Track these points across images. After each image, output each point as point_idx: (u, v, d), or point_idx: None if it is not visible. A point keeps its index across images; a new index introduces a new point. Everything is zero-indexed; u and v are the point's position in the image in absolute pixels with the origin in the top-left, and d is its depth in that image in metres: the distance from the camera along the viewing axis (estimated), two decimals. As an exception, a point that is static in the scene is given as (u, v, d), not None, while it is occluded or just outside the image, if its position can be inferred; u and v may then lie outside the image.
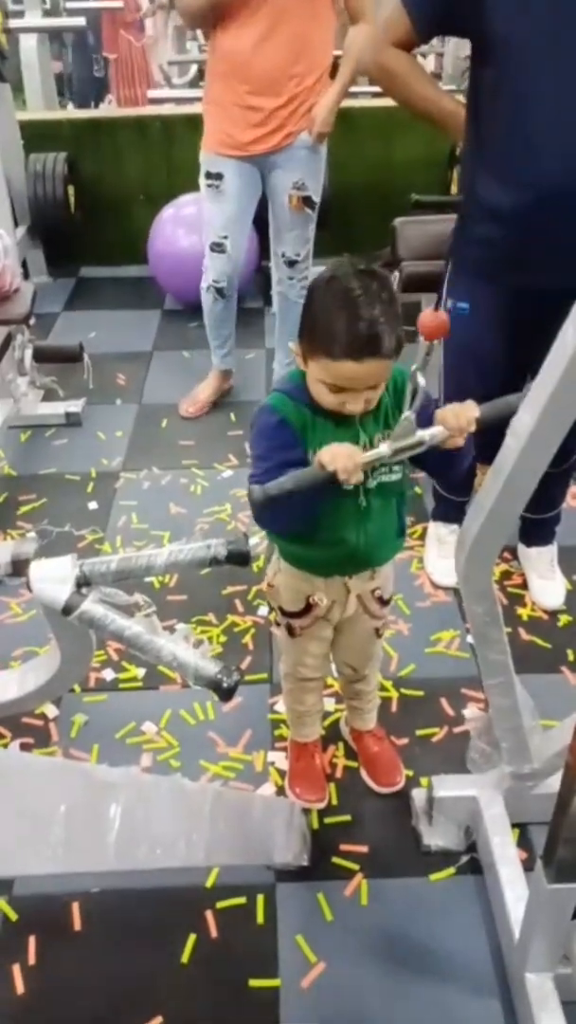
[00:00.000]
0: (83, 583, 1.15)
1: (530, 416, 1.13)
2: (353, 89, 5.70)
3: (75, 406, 2.97)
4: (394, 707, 1.89)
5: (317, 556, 1.40)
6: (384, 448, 1.15)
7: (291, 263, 2.79)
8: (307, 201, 2.68)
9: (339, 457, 1.12)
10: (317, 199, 2.71)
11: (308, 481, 1.13)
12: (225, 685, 1.11)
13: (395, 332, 1.15)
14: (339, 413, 1.24)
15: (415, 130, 4.00)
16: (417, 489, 2.61)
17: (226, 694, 1.12)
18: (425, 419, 1.20)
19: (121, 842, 1.12)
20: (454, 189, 3.90)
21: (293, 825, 1.46)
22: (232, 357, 3.05)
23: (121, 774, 1.24)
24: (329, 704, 1.85)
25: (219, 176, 2.58)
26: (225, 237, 2.68)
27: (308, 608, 1.47)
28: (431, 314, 1.11)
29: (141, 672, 1.96)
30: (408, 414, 1.14)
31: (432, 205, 2.66)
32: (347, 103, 4.57)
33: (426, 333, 1.11)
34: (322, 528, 1.35)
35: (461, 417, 1.19)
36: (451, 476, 1.39)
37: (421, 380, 1.12)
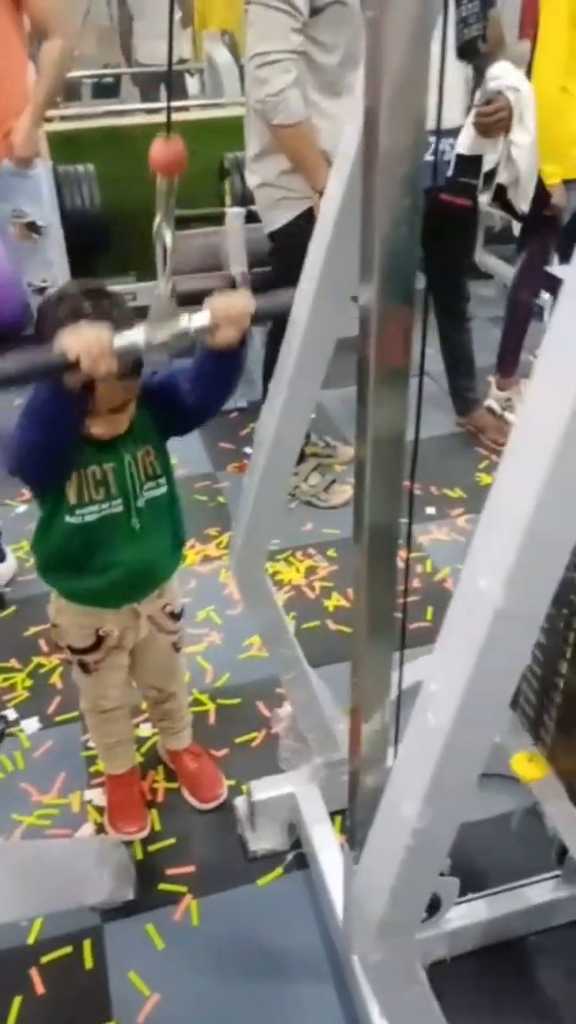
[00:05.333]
0: None
1: (270, 420, 1.16)
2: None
3: None
4: (212, 719, 1.88)
5: (98, 585, 1.36)
6: (139, 333, 0.94)
7: (39, 291, 2.69)
8: (32, 227, 2.59)
9: (84, 339, 0.90)
10: (43, 222, 2.61)
11: (40, 367, 0.88)
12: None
13: None
14: (100, 439, 1.25)
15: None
16: (220, 498, 2.62)
17: (-6, 742, 1.07)
18: (166, 388, 1.23)
19: None
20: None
21: (104, 862, 1.41)
22: None
23: None
24: (145, 730, 1.82)
25: None
26: None
27: (99, 641, 1.43)
28: (163, 143, 0.87)
29: (-58, 733, 1.85)
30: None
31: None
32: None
33: (159, 167, 0.87)
34: (97, 554, 1.33)
35: (233, 307, 0.99)
36: (217, 388, 1.18)
37: (167, 237, 0.90)
